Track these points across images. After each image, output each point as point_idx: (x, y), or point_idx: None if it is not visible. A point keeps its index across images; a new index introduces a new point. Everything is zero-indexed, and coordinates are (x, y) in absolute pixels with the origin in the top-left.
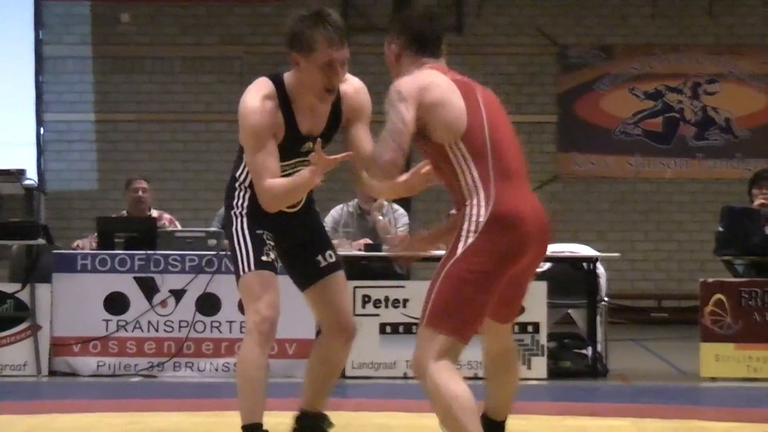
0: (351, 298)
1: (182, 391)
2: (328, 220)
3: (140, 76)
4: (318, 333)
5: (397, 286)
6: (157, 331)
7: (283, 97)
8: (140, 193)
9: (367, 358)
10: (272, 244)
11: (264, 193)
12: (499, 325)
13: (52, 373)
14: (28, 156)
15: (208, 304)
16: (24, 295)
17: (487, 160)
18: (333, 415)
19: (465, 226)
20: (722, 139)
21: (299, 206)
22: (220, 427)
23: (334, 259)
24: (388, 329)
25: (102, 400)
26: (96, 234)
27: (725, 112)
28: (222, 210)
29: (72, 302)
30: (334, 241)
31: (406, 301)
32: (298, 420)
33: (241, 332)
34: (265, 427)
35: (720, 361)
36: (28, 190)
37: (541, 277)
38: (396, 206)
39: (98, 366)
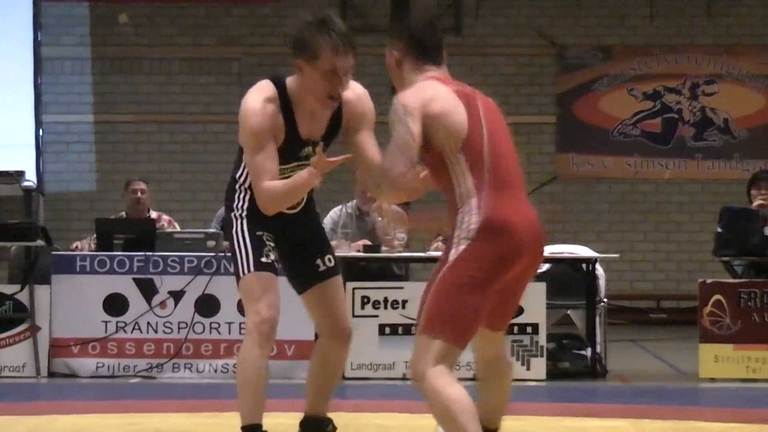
0: (347, 301)
1: (181, 392)
2: (327, 221)
3: (139, 77)
4: (317, 336)
5: (396, 287)
6: (156, 332)
7: (284, 101)
8: (139, 194)
9: (366, 359)
10: (272, 245)
11: (261, 195)
12: (492, 333)
13: (51, 374)
14: (26, 157)
15: (207, 305)
16: (23, 297)
17: (482, 170)
18: (332, 416)
19: (457, 233)
20: (721, 139)
21: (299, 207)
22: (219, 428)
23: (333, 264)
24: (387, 330)
25: (101, 401)
26: (95, 235)
27: (724, 113)
28: (221, 211)
29: (71, 303)
30: (333, 242)
31: (405, 302)
32: (303, 425)
33: (240, 333)
34: (264, 428)
35: (719, 361)
36: (27, 191)
37: (540, 278)
38: (395, 207)
39: (97, 367)
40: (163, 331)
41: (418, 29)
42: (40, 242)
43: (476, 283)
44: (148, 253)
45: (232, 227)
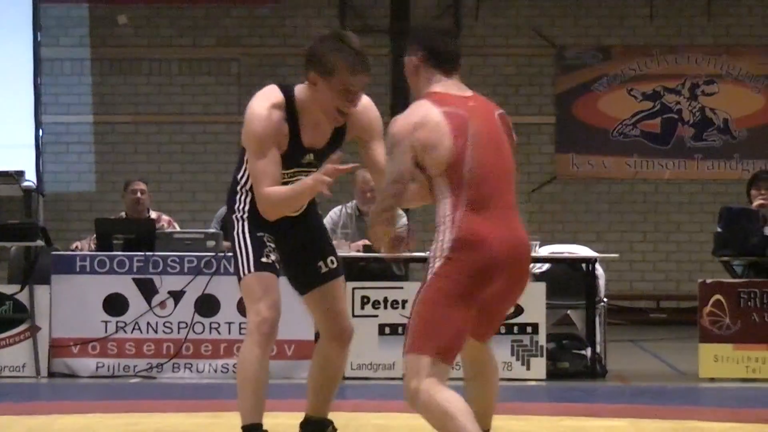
0: (349, 301)
1: (181, 392)
2: (327, 222)
3: (138, 78)
4: (317, 336)
5: (396, 287)
6: (156, 332)
7: (291, 110)
8: (139, 194)
9: (366, 359)
10: (273, 246)
11: (262, 199)
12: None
13: (51, 374)
14: (26, 158)
15: (207, 305)
16: (23, 297)
17: (461, 191)
18: (332, 417)
19: (433, 252)
20: (720, 139)
21: (301, 209)
22: (219, 427)
23: (335, 265)
24: (387, 330)
25: (101, 402)
26: (95, 235)
27: (723, 113)
28: (221, 211)
29: (71, 303)
30: (333, 243)
31: (404, 302)
32: (303, 426)
33: (240, 333)
34: (264, 428)
35: (719, 361)
36: (27, 191)
37: (540, 277)
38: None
39: (97, 367)
40: (163, 331)
41: (436, 39)
42: (39, 242)
43: (455, 298)
44: (147, 253)
45: (234, 228)
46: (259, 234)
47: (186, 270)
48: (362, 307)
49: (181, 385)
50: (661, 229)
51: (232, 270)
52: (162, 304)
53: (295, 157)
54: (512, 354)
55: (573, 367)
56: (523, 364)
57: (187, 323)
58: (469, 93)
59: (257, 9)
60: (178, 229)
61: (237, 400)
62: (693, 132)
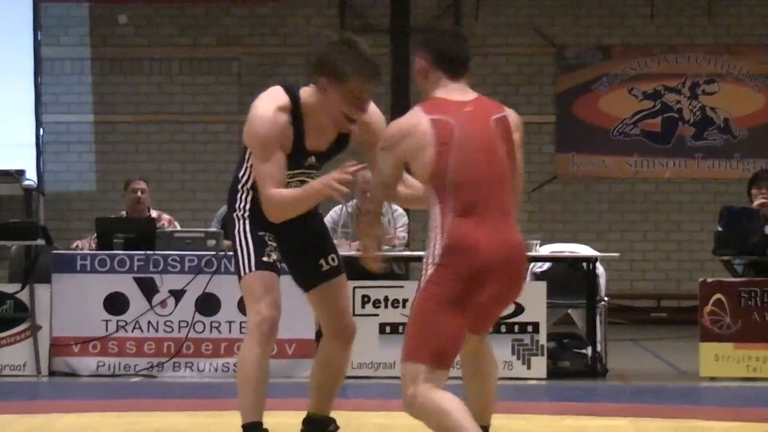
0: (351, 299)
1: (182, 391)
2: (327, 221)
3: (138, 78)
4: (318, 335)
5: (396, 286)
6: (156, 331)
7: (296, 113)
8: (139, 193)
9: (367, 358)
10: (274, 245)
11: (268, 202)
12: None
13: (51, 373)
14: (27, 157)
15: (208, 304)
16: (23, 296)
17: (448, 200)
18: (332, 415)
19: (426, 259)
20: (721, 139)
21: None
22: (219, 426)
23: (336, 263)
24: (388, 329)
25: (101, 401)
26: (95, 234)
27: (724, 112)
28: (221, 210)
29: (71, 302)
30: (334, 242)
31: (405, 300)
32: (306, 423)
33: (240, 332)
34: (264, 426)
35: (719, 360)
36: (27, 191)
37: (540, 277)
38: (395, 206)
39: (98, 366)
40: (164, 330)
41: (445, 41)
42: (40, 241)
43: (448, 304)
44: (148, 252)
45: (234, 227)
46: (260, 233)
47: (187, 269)
48: (363, 306)
49: (181, 384)
50: (661, 229)
51: (232, 269)
52: (163, 303)
53: (298, 159)
54: (513, 353)
55: (573, 366)
56: (523, 363)
57: (187, 322)
58: (471, 97)
59: (258, 8)
60: (178, 228)
61: (237, 399)
62: (693, 131)
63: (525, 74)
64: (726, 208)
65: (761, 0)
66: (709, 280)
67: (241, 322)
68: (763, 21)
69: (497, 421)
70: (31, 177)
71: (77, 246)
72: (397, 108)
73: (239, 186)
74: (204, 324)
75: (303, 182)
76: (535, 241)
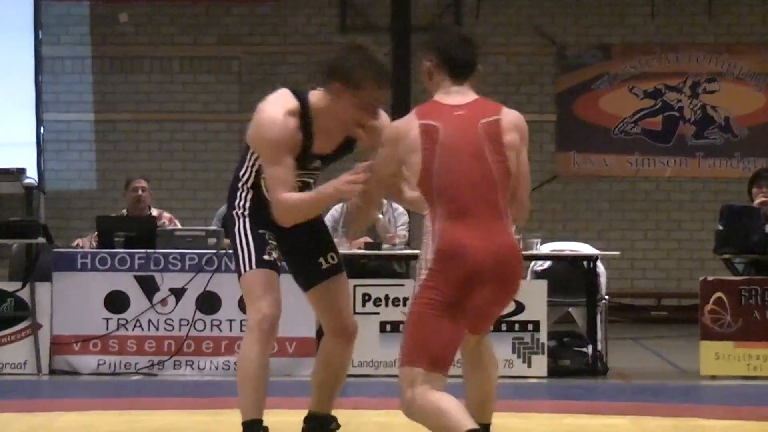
0: (351, 298)
1: (182, 389)
2: (328, 219)
3: (139, 76)
4: (319, 333)
5: (397, 285)
6: (157, 329)
7: (305, 117)
8: (140, 192)
9: (367, 357)
10: (274, 243)
11: (279, 206)
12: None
13: (52, 371)
14: (27, 155)
15: (208, 302)
16: (24, 294)
17: (436, 204)
18: (333, 413)
19: (419, 264)
20: (722, 137)
21: None
22: (220, 425)
23: (336, 261)
24: (388, 328)
25: (102, 399)
26: (96, 233)
27: (724, 111)
28: (222, 209)
29: (72, 301)
30: (334, 240)
31: (405, 299)
32: (307, 421)
33: (241, 331)
34: (265, 424)
35: (720, 359)
36: (28, 189)
37: (541, 275)
38: (396, 205)
39: (98, 364)
40: (165, 329)
41: (450, 45)
42: (41, 240)
43: (442, 308)
44: (149, 251)
45: (235, 225)
46: (260, 231)
47: (187, 267)
48: (363, 305)
49: (182, 382)
50: (662, 227)
51: (233, 267)
52: (163, 302)
53: (303, 162)
54: (513, 351)
55: (574, 364)
56: (524, 361)
57: (188, 320)
58: (468, 100)
59: (258, 7)
60: (179, 226)
61: (237, 397)
62: (694, 130)
63: (525, 73)
64: (726, 207)
65: None
66: (710, 278)
67: (241, 321)
68: (763, 20)
69: (498, 419)
70: (31, 175)
71: (78, 244)
72: (397, 108)
73: (239, 184)
74: (204, 322)
75: (305, 183)
76: (535, 240)
